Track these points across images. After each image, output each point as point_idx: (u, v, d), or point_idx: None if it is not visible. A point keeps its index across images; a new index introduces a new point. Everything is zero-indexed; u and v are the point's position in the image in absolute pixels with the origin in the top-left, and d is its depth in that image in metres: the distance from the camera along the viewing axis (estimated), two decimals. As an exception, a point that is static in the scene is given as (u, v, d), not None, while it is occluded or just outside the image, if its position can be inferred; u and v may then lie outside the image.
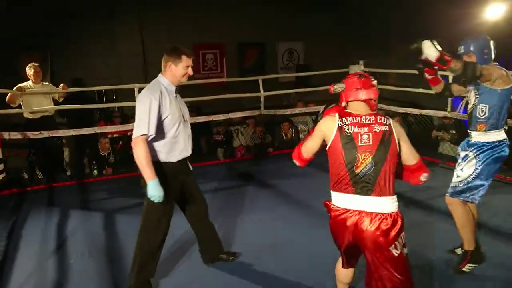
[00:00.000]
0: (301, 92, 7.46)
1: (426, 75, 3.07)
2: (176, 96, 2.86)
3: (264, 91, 6.16)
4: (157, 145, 2.75)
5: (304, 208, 4.50)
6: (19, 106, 5.30)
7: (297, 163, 2.40)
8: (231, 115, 6.27)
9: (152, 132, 2.64)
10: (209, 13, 8.68)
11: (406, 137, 2.21)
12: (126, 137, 6.89)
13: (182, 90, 2.99)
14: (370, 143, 2.07)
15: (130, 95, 5.60)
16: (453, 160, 3.54)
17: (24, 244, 3.94)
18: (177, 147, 2.83)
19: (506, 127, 2.93)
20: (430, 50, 2.63)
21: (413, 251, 2.32)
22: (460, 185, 2.95)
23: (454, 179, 3.01)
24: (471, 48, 2.82)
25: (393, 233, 2.04)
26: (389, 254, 2.05)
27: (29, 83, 5.38)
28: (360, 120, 2.13)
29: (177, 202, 3.03)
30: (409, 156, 2.19)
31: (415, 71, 3.11)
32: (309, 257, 3.39)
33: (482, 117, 2.89)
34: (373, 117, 2.14)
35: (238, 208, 4.56)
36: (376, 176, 2.06)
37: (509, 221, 3.86)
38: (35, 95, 5.39)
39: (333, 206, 2.18)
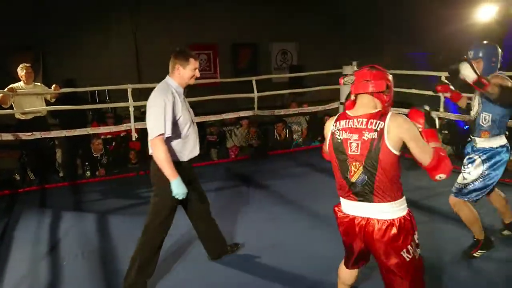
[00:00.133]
0: (295, 92, 7.48)
1: (447, 94, 3.36)
2: (184, 98, 2.94)
3: (257, 92, 6.17)
4: (169, 145, 2.81)
5: (300, 209, 4.52)
6: (11, 107, 5.25)
7: (326, 158, 2.36)
8: (225, 116, 6.27)
9: (168, 132, 2.71)
10: (202, 13, 8.67)
11: (415, 135, 1.95)
12: (119, 138, 6.87)
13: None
14: (358, 153, 2.00)
15: (123, 96, 5.56)
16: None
17: (16, 246, 3.91)
18: (187, 146, 2.92)
19: (507, 133, 3.10)
20: (469, 72, 2.70)
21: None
22: (466, 186, 3.11)
23: (460, 180, 3.15)
24: (480, 54, 2.93)
25: (401, 238, 1.99)
26: (400, 259, 2.01)
27: (20, 83, 5.33)
28: (353, 125, 2.03)
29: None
30: (419, 156, 1.96)
31: (407, 71, 3.20)
32: (307, 258, 3.39)
33: (485, 125, 3.05)
34: (366, 120, 2.00)
35: (234, 208, 4.56)
36: (373, 185, 1.99)
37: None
38: (27, 95, 5.34)
39: (340, 214, 2.17)
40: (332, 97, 6.86)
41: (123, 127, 5.78)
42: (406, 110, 3.11)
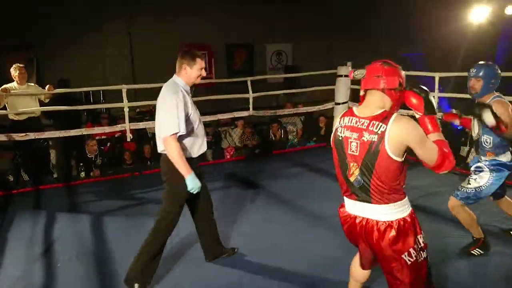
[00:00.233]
0: (290, 93, 7.49)
1: (456, 122, 3.48)
2: (191, 96, 3.00)
3: (253, 92, 6.17)
4: (181, 142, 2.86)
5: (296, 209, 4.52)
6: (4, 108, 5.22)
7: None
8: (220, 116, 6.26)
9: (182, 130, 2.77)
10: (197, 14, 8.65)
11: (419, 138, 1.87)
12: (114, 139, 6.84)
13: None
14: (357, 153, 1.94)
15: (117, 96, 5.54)
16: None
17: (10, 248, 3.87)
18: (197, 143, 2.99)
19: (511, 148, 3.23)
20: (490, 118, 2.88)
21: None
22: (471, 191, 3.20)
23: (465, 185, 3.24)
24: (481, 74, 3.05)
25: (401, 240, 1.93)
26: (401, 263, 1.95)
27: (14, 84, 5.29)
28: (355, 124, 1.96)
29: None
30: (424, 158, 1.91)
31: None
32: (304, 257, 3.40)
33: (488, 147, 3.18)
34: (368, 121, 1.92)
35: (230, 209, 4.55)
36: (369, 188, 1.94)
37: (509, 224, 3.85)
38: (21, 96, 5.31)
39: (343, 213, 2.16)
40: (327, 97, 6.87)
41: (117, 127, 5.75)
42: (403, 111, 3.12)
